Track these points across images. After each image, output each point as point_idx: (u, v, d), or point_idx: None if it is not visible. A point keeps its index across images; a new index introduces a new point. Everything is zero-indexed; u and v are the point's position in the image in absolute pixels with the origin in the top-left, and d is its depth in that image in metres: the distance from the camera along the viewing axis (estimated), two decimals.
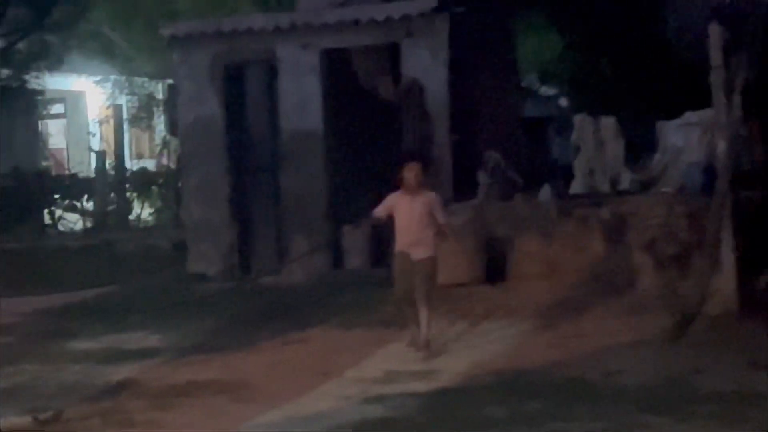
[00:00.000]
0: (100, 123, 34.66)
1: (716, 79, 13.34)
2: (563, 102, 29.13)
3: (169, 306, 16.78)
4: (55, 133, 34.30)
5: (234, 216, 19.47)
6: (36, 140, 31.25)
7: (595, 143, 18.11)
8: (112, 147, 32.03)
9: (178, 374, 12.38)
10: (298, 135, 18.92)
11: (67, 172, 31.33)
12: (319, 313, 15.37)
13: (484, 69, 20.12)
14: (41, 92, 30.71)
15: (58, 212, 27.86)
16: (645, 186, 16.71)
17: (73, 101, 34.09)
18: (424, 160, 13.47)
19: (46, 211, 27.47)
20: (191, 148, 20.22)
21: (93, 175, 29.52)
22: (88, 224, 27.35)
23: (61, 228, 27.36)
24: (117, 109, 33.41)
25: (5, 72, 28.10)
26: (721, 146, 13.71)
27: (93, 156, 31.12)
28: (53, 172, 31.00)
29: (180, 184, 22.54)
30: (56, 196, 28.01)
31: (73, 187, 28.65)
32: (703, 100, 14.77)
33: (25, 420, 10.39)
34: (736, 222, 13.54)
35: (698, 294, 13.18)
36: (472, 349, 13.10)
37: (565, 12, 23.83)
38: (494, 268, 16.13)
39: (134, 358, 13.32)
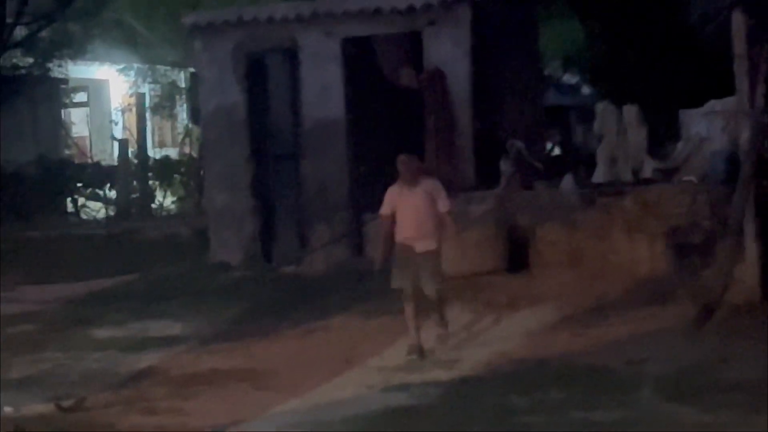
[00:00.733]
0: (123, 111, 34.71)
1: (740, 67, 13.29)
2: (586, 90, 29.08)
3: (192, 294, 16.82)
4: (77, 121, 34.34)
5: (256, 204, 19.46)
6: (59, 129, 31.27)
7: (617, 131, 18.06)
8: (135, 135, 32.12)
9: (200, 362, 12.44)
10: (320, 123, 18.91)
11: (89, 160, 31.37)
12: (341, 302, 15.38)
13: (507, 57, 20.05)
14: (64, 81, 30.78)
15: (81, 200, 27.96)
16: (667, 175, 16.65)
17: (95, 90, 34.12)
18: (418, 151, 12.93)
19: (68, 199, 27.58)
20: (213, 137, 20.24)
21: (115, 163, 29.60)
22: (111, 212, 27.44)
23: (83, 216, 27.46)
24: (139, 97, 33.55)
25: (28, 60, 28.18)
26: (745, 135, 13.66)
27: (115, 144, 31.19)
28: (76, 161, 31.05)
29: (202, 173, 22.56)
30: (79, 185, 28.12)
31: (95, 175, 28.73)
32: (726, 89, 14.72)
33: (48, 407, 10.45)
34: (759, 210, 13.49)
35: (721, 283, 13.14)
36: (494, 338, 13.12)
37: (587, 0, 23.74)
38: (516, 257, 16.11)
39: (157, 346, 13.37)
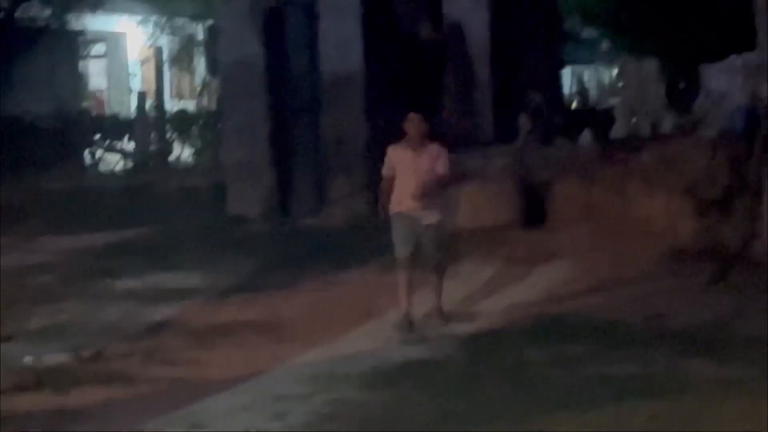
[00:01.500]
0: (141, 63, 34.73)
1: (761, 22, 13.24)
2: (606, 45, 28.96)
3: (210, 247, 16.85)
4: (95, 73, 34.36)
5: (274, 157, 19.49)
6: (76, 81, 31.30)
7: (637, 86, 18.04)
8: (153, 88, 32.17)
9: (219, 314, 12.47)
10: (339, 77, 18.89)
11: (107, 112, 31.41)
12: (360, 255, 15.39)
13: (525, 11, 20.01)
14: (82, 33, 30.79)
15: (99, 153, 28.01)
16: (687, 130, 16.62)
17: (113, 42, 34.12)
18: (427, 110, 12.14)
19: (86, 151, 27.61)
20: (231, 89, 20.24)
21: (133, 116, 29.64)
22: (129, 165, 27.47)
23: (101, 168, 27.49)
24: (158, 50, 33.57)
25: (46, 12, 28.16)
26: (765, 90, 13.61)
27: (133, 97, 31.23)
28: (93, 113, 31.12)
29: (220, 125, 22.56)
30: (97, 137, 28.16)
31: (113, 127, 28.82)
32: (747, 44, 14.66)
33: (68, 357, 10.50)
34: None
35: (739, 239, 13.15)
36: (511, 291, 13.14)
37: None
38: (534, 211, 16.11)
39: (175, 297, 13.40)
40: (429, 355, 10.32)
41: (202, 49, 33.34)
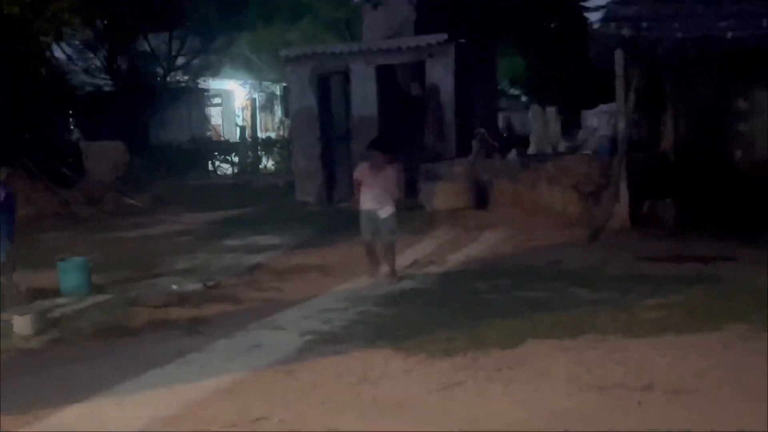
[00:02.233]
0: (242, 109, 34.72)
1: (619, 84, 13.19)
2: (524, 98, 28.88)
3: (284, 220, 16.89)
4: (215, 115, 34.27)
5: (323, 166, 19.53)
6: (203, 120, 31.30)
7: (542, 123, 18.00)
8: (249, 124, 32.19)
9: (290, 260, 12.48)
10: (362, 118, 18.89)
11: (222, 139, 31.43)
12: None
13: (476, 77, 19.95)
14: (207, 90, 30.77)
15: (217, 163, 28.04)
16: (573, 150, 16.60)
17: (226, 96, 34.01)
18: (386, 147, 11.31)
19: (209, 162, 27.64)
20: (297, 125, 20.27)
21: (238, 140, 29.67)
22: (235, 170, 27.50)
23: (219, 173, 27.54)
24: (252, 100, 33.65)
25: (185, 77, 28.22)
26: (621, 125, 13.56)
27: (238, 129, 31.26)
28: (214, 139, 31.12)
29: (290, 147, 22.60)
30: (216, 153, 28.20)
31: (226, 148, 28.87)
32: (609, 97, 14.62)
33: (199, 286, 10.54)
34: (629, 171, 13.44)
35: (605, 215, 13.11)
36: (467, 247, 13.10)
37: (525, 43, 23.59)
38: (481, 199, 16.11)
39: (264, 250, 13.42)
40: (416, 285, 10.31)
41: (279, 100, 33.34)
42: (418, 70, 19.18)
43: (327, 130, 19.66)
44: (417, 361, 6.97)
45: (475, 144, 17.96)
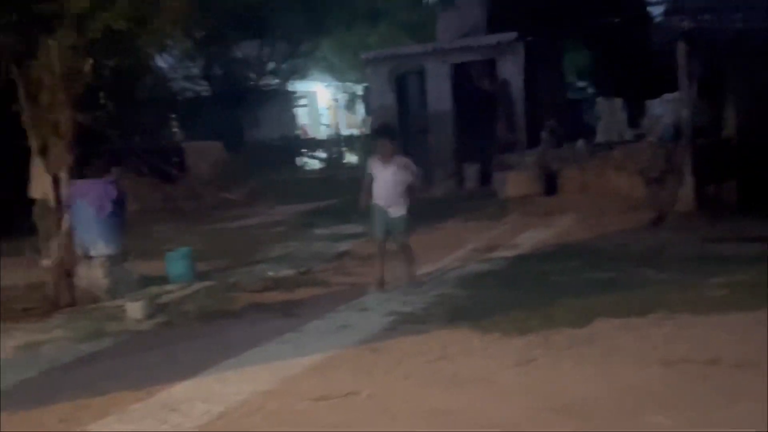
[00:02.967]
0: (327, 109, 34.96)
1: (681, 74, 12.89)
2: (591, 89, 28.35)
3: (367, 210, 16.88)
4: (302, 114, 34.63)
5: None
6: (292, 120, 31.66)
7: (609, 114, 17.68)
8: (334, 122, 32.39)
9: (373, 247, 12.46)
10: (438, 113, 18.92)
11: (309, 137, 31.73)
12: (451, 213, 15.34)
13: (545, 72, 19.74)
14: (295, 92, 31.11)
15: (305, 159, 28.31)
16: (639, 138, 16.25)
17: (311, 96, 34.33)
18: (393, 135, 10.05)
19: (298, 158, 27.93)
20: (378, 122, 20.32)
21: (324, 138, 29.92)
22: (321, 165, 27.72)
23: (306, 168, 27.80)
24: (336, 100, 33.79)
25: (275, 81, 28.62)
26: (684, 113, 13.25)
27: (323, 128, 31.54)
28: (302, 137, 31.43)
29: (369, 142, 22.70)
30: (304, 150, 28.48)
31: (313, 145, 29.14)
32: (673, 87, 14.29)
33: (291, 272, 10.66)
34: (693, 157, 13.14)
35: (670, 199, 12.86)
36: (538, 232, 13.00)
37: (591, 37, 23.20)
38: (551, 187, 15.93)
39: (349, 238, 13.47)
40: (491, 267, 10.30)
41: (361, 100, 33.46)
42: (489, 66, 19.05)
43: (405, 126, 19.67)
44: (493, 339, 6.96)
45: (544, 135, 17.76)
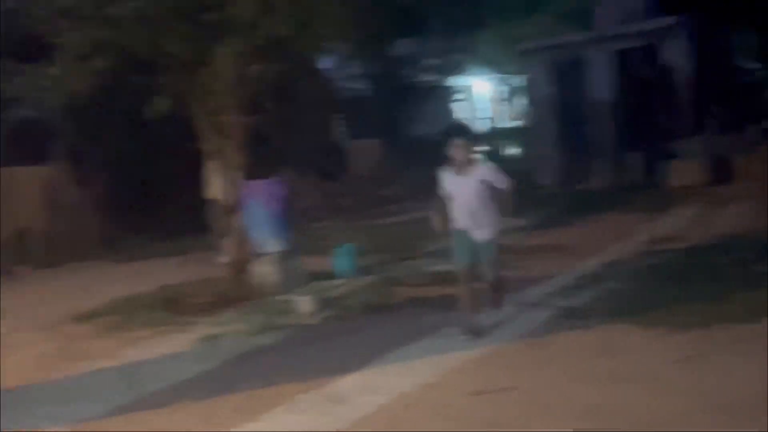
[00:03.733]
0: (490, 101, 34.92)
1: None
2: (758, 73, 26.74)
3: (526, 202, 16.68)
4: (458, 109, 34.68)
5: (558, 150, 19.34)
6: (449, 114, 31.85)
7: None
8: (493, 115, 32.36)
9: (531, 240, 12.38)
10: (598, 102, 18.57)
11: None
12: (610, 205, 15.01)
13: (710, 55, 18.86)
14: (451, 87, 31.23)
15: None
16: None
17: (468, 90, 34.33)
18: (470, 134, 8.53)
19: None
20: (536, 113, 20.19)
21: (484, 130, 29.99)
22: (482, 158, 27.67)
23: None
24: (499, 92, 33.78)
25: (433, 77, 28.94)
26: None
27: (482, 121, 31.58)
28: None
29: (529, 134, 22.48)
30: None
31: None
32: None
33: (450, 267, 10.53)
34: None
35: None
36: (709, 222, 12.53)
37: (758, 18, 21.83)
38: (718, 175, 15.27)
39: (508, 232, 13.31)
40: (657, 261, 9.99)
41: (522, 91, 33.14)
42: (651, 52, 18.43)
43: (564, 116, 19.39)
44: (655, 334, 6.79)
45: (710, 122, 17.01)
